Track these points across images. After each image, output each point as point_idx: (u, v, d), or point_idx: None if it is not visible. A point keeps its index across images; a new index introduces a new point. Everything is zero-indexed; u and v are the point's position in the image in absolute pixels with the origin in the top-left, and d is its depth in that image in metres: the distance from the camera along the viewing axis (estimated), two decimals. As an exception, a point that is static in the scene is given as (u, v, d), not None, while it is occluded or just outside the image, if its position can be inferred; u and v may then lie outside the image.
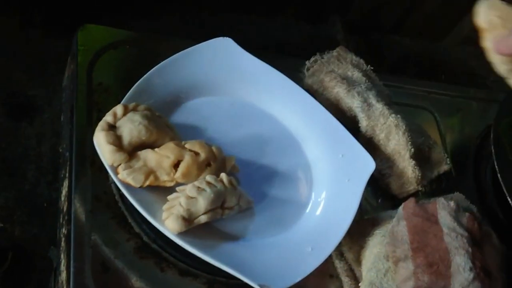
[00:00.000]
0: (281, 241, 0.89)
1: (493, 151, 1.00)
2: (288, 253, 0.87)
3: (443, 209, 0.91)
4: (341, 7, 1.51)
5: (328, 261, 0.93)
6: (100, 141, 0.83)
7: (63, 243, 0.85)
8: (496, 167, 0.99)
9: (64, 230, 0.86)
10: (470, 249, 0.87)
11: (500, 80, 1.41)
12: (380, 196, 1.04)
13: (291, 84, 1.01)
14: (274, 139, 0.99)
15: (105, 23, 1.05)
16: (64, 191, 0.90)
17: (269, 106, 1.01)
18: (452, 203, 0.93)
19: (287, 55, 1.19)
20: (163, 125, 0.88)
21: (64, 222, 0.86)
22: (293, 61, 1.14)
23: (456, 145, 1.17)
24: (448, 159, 1.10)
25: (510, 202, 0.96)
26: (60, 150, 0.99)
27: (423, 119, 1.18)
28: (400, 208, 0.93)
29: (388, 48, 1.47)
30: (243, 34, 1.27)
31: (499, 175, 0.98)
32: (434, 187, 1.08)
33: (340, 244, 0.92)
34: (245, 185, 0.91)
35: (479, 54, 1.51)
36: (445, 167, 1.09)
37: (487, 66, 1.50)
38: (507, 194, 0.96)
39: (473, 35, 1.59)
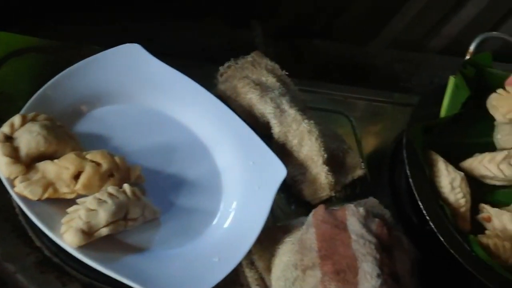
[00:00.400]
0: (187, 252, 0.87)
1: (405, 156, 1.00)
2: (194, 264, 0.85)
3: (352, 215, 0.91)
4: (268, 12, 1.50)
5: (239, 270, 0.92)
6: None
7: (-38, 259, 0.82)
8: (408, 172, 0.99)
9: (-38, 245, 0.83)
10: (378, 256, 0.86)
11: (422, 83, 1.43)
12: (293, 203, 1.04)
13: (202, 91, 0.99)
14: (183, 147, 0.97)
15: (13, 30, 1.01)
16: (-38, 205, 0.87)
17: (179, 113, 0.99)
18: (361, 209, 0.92)
19: (207, 61, 1.17)
20: (64, 135, 0.85)
21: (-39, 237, 0.83)
22: (211, 67, 1.12)
23: (372, 149, 1.18)
24: (363, 164, 1.11)
25: (422, 206, 0.96)
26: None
27: (339, 124, 1.18)
28: (310, 215, 0.92)
29: (313, 53, 1.47)
30: (164, 40, 1.26)
31: (410, 180, 0.98)
32: (348, 192, 1.09)
33: (250, 253, 0.91)
34: (152, 194, 0.90)
35: (403, 57, 1.53)
36: (359, 172, 1.09)
37: (410, 69, 1.52)
38: (418, 199, 0.97)
39: (399, 38, 1.61)
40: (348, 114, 1.20)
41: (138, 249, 0.84)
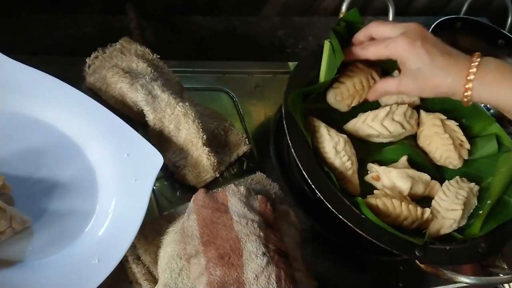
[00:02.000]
0: (64, 258, 0.84)
1: (285, 125, 0.98)
2: (73, 269, 0.82)
3: (233, 195, 0.89)
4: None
5: (126, 266, 0.89)
6: None
7: None
8: (289, 141, 0.97)
9: None
10: (262, 234, 0.85)
11: (309, 48, 1.41)
12: (178, 189, 1.01)
13: (65, 87, 0.95)
14: (51, 148, 0.93)
15: None
16: None
17: (43, 113, 0.94)
18: (242, 188, 0.90)
19: (81, 54, 1.11)
20: None
21: None
22: (82, 60, 1.07)
23: (257, 124, 1.15)
24: (247, 139, 1.09)
25: (306, 175, 0.94)
26: None
27: (221, 101, 1.15)
28: (191, 201, 0.90)
29: (192, 30, 1.43)
30: (30, 36, 1.20)
31: (292, 150, 0.96)
32: (236, 170, 1.06)
33: (135, 247, 0.89)
34: (22, 203, 0.86)
35: (287, 23, 1.51)
36: (244, 148, 1.08)
37: (295, 35, 1.50)
38: (302, 168, 0.95)
39: (288, 5, 1.59)
40: (229, 90, 1.17)
41: (10, 263, 0.80)
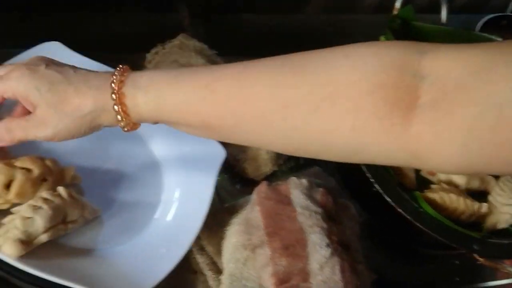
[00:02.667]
0: (133, 247, 0.86)
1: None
2: (142, 258, 0.84)
3: (295, 188, 0.90)
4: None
5: (190, 257, 0.91)
6: None
7: None
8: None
9: None
10: (325, 225, 0.86)
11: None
12: (238, 182, 1.03)
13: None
14: (118, 140, 0.95)
15: None
16: None
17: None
18: (304, 181, 0.92)
19: (137, 50, 1.14)
20: None
21: None
22: (140, 56, 1.10)
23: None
24: (304, 134, 1.10)
25: (364, 169, 0.96)
26: None
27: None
28: (254, 193, 0.91)
29: (242, 27, 1.45)
30: (85, 34, 1.23)
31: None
32: (292, 164, 1.08)
33: (199, 238, 0.91)
34: (91, 193, 0.88)
35: (334, 21, 1.52)
36: (301, 142, 1.09)
37: (343, 31, 1.51)
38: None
39: (332, 2, 1.60)
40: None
41: (82, 251, 0.83)
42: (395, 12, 1.17)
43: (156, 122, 0.72)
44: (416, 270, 1.07)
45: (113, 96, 0.68)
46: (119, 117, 0.69)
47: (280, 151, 0.71)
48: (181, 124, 0.70)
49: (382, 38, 1.09)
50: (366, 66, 0.60)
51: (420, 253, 1.08)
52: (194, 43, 1.11)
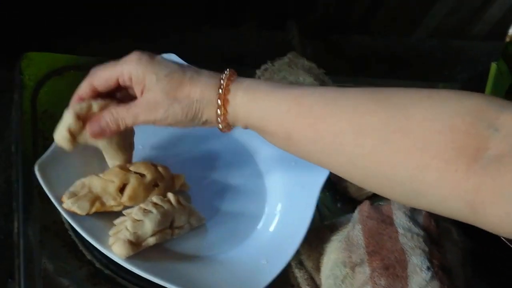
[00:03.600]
0: (235, 256, 0.88)
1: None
2: (242, 267, 0.86)
3: (398, 209, 0.90)
4: (301, 11, 1.50)
5: (288, 270, 0.92)
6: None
7: (16, 275, 0.84)
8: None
9: (16, 262, 0.85)
10: (427, 248, 0.85)
11: (467, 71, 1.41)
12: (339, 200, 1.04)
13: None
14: (225, 152, 0.98)
15: (50, 49, 1.03)
16: (15, 223, 0.89)
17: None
18: (407, 203, 0.91)
19: (246, 66, 1.17)
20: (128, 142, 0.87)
21: (16, 254, 0.85)
22: (249, 72, 1.13)
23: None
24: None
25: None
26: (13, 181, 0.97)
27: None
28: (356, 211, 0.92)
29: (351, 48, 1.46)
30: (200, 48, 1.27)
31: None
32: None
33: (298, 253, 0.92)
34: (197, 201, 0.91)
35: (444, 46, 1.51)
36: (404, 164, 1.08)
37: (453, 57, 1.50)
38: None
39: (440, 27, 1.59)
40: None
41: (186, 256, 0.85)
42: (508, 39, 1.15)
43: (246, 127, 0.75)
44: (518, 302, 1.04)
45: (220, 90, 0.73)
46: (219, 111, 0.73)
47: (348, 178, 0.72)
48: (266, 132, 0.74)
49: (493, 65, 1.07)
50: (443, 107, 0.61)
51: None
52: (303, 61, 1.13)
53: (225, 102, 0.73)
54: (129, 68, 0.75)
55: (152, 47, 1.09)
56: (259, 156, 0.99)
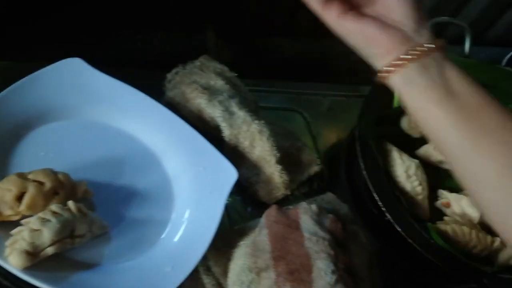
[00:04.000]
0: (139, 264, 0.86)
1: (357, 148, 0.99)
2: (146, 275, 0.85)
3: (305, 213, 0.90)
4: (221, 14, 1.49)
5: (196, 276, 0.91)
6: None
7: None
8: (361, 164, 0.98)
9: None
10: (332, 252, 0.86)
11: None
12: (249, 205, 1.03)
13: (148, 100, 0.99)
14: (132, 158, 0.96)
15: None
16: None
17: (125, 124, 0.98)
18: (314, 206, 0.92)
19: (160, 69, 1.15)
20: None
21: None
22: (161, 76, 1.11)
23: (328, 145, 1.17)
24: (319, 160, 1.10)
25: (377, 198, 0.95)
26: None
27: (294, 122, 1.17)
28: (263, 216, 0.92)
29: (270, 51, 1.46)
30: (117, 52, 1.25)
31: (364, 172, 0.98)
32: (306, 189, 1.08)
33: (206, 258, 0.91)
34: (101, 209, 0.89)
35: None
36: (315, 168, 1.09)
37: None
38: (373, 191, 0.96)
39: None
40: (302, 111, 1.19)
41: (88, 266, 0.83)
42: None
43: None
44: (427, 302, 1.06)
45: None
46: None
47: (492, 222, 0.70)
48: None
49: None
50: None
51: (432, 284, 1.07)
52: (215, 64, 1.12)
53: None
54: None
55: (61, 50, 1.07)
56: (167, 160, 0.98)
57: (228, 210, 1.01)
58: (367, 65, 1.51)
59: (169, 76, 1.09)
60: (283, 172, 1.01)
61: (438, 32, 1.51)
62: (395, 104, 1.09)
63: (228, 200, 0.99)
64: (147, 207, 0.93)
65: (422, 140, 1.11)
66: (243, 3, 1.47)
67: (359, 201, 1.09)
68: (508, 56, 1.44)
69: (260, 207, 1.00)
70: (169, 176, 0.97)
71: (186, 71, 1.09)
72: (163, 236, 0.91)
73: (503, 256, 1.00)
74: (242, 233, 0.95)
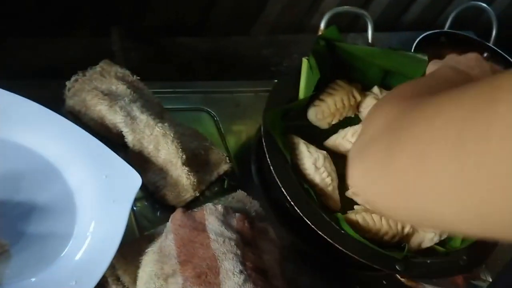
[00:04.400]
0: (42, 281, 0.84)
1: (264, 144, 0.99)
2: (50, 291, 0.82)
3: (211, 214, 0.89)
4: (128, 16, 1.46)
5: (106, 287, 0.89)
6: None
7: None
8: (268, 160, 0.98)
9: None
10: (239, 252, 0.85)
11: (294, 66, 1.42)
12: (158, 209, 1.02)
13: (43, 110, 0.95)
14: (30, 171, 0.93)
15: None
16: None
17: (21, 137, 0.94)
18: (219, 207, 0.91)
19: (63, 78, 1.11)
20: None
21: None
22: (61, 85, 1.08)
23: (238, 142, 1.16)
24: (227, 158, 1.09)
25: (285, 192, 0.95)
26: None
27: (202, 121, 1.16)
28: (169, 221, 0.90)
29: (178, 52, 1.44)
30: (17, 60, 1.21)
31: (271, 168, 0.97)
32: (216, 189, 1.07)
33: (115, 268, 0.89)
34: (0, 226, 0.85)
35: (272, 42, 1.52)
36: (224, 167, 1.08)
37: (280, 53, 1.51)
38: (281, 185, 0.96)
39: (277, 23, 1.60)
40: (210, 110, 1.18)
41: (-13, 286, 0.81)
42: (320, 32, 1.17)
43: None
44: (344, 291, 1.06)
45: None
46: None
47: None
48: None
49: (304, 60, 1.09)
50: None
51: (347, 274, 1.08)
52: (116, 69, 1.09)
53: None
54: None
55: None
56: (68, 171, 0.95)
57: (137, 216, 0.99)
58: (277, 59, 1.52)
59: (68, 84, 1.06)
60: (190, 173, 1.00)
61: (347, 23, 1.54)
62: (301, 96, 1.09)
63: (136, 207, 0.98)
64: (48, 222, 0.90)
65: (330, 131, 1.12)
66: (149, 3, 1.45)
67: (271, 197, 1.09)
68: (418, 39, 1.46)
69: (170, 211, 0.98)
70: (71, 188, 0.94)
71: (86, 77, 1.07)
72: (66, 250, 0.88)
73: (415, 240, 1.01)
74: (150, 239, 0.93)
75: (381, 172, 0.57)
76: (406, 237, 1.01)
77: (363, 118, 1.15)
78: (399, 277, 0.96)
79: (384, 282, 1.07)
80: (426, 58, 1.17)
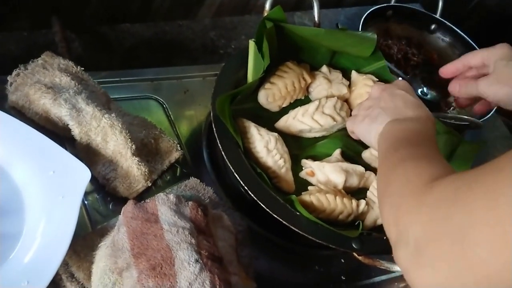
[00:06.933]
0: (-8, 283, 0.81)
1: (214, 129, 0.97)
2: (1, 293, 0.80)
3: (163, 204, 0.88)
4: (69, 5, 1.43)
5: (60, 285, 0.87)
6: None
7: None
8: (219, 145, 0.96)
9: None
10: (193, 240, 0.84)
11: (241, 47, 1.40)
12: (110, 202, 1.00)
13: (-17, 108, 0.92)
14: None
15: None
16: None
17: (-38, 137, 0.91)
18: (171, 196, 0.89)
19: (2, 72, 1.08)
20: None
21: None
22: (4, 79, 1.05)
23: (188, 129, 1.15)
24: (178, 145, 1.08)
25: (238, 177, 0.94)
26: None
27: (151, 109, 1.14)
28: (121, 214, 0.88)
29: (122, 39, 1.42)
30: None
31: (223, 153, 0.96)
32: (168, 178, 1.05)
33: (68, 265, 0.87)
34: None
35: (218, 24, 1.50)
36: (175, 154, 1.07)
37: (228, 35, 1.49)
38: (233, 170, 0.94)
39: (225, 5, 1.58)
40: (158, 97, 1.16)
41: None
42: (265, 13, 1.15)
43: None
44: (302, 271, 1.06)
45: None
46: None
47: None
48: None
49: (251, 42, 1.07)
50: None
51: (305, 254, 1.08)
52: (59, 60, 1.07)
53: None
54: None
55: None
56: (14, 169, 0.92)
57: (89, 210, 0.98)
58: (224, 42, 1.51)
59: (9, 79, 1.03)
60: (141, 163, 0.99)
61: (294, 2, 1.52)
62: (249, 79, 1.07)
63: (88, 200, 0.97)
64: (-5, 222, 0.87)
65: (281, 113, 1.11)
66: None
67: (224, 183, 1.08)
68: (365, 15, 1.45)
69: (122, 203, 0.96)
70: (18, 186, 0.92)
71: (28, 71, 1.04)
72: (15, 250, 0.87)
73: (370, 217, 1.01)
74: (103, 233, 0.92)
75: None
76: (361, 215, 1.01)
77: (313, 98, 1.14)
78: (355, 255, 0.96)
79: (342, 260, 1.07)
80: (375, 37, 1.16)
